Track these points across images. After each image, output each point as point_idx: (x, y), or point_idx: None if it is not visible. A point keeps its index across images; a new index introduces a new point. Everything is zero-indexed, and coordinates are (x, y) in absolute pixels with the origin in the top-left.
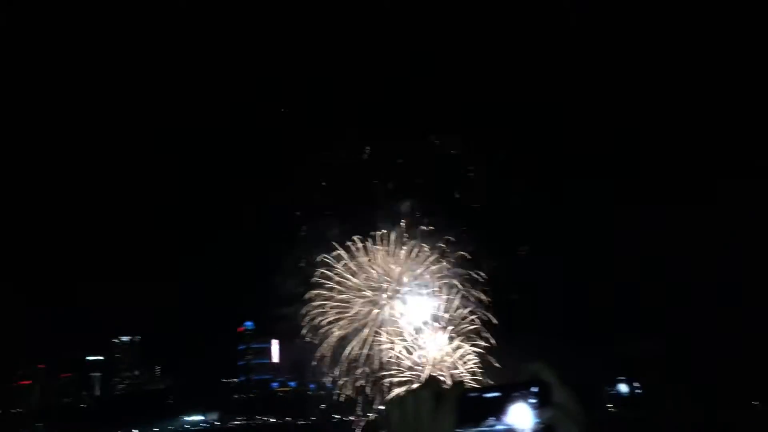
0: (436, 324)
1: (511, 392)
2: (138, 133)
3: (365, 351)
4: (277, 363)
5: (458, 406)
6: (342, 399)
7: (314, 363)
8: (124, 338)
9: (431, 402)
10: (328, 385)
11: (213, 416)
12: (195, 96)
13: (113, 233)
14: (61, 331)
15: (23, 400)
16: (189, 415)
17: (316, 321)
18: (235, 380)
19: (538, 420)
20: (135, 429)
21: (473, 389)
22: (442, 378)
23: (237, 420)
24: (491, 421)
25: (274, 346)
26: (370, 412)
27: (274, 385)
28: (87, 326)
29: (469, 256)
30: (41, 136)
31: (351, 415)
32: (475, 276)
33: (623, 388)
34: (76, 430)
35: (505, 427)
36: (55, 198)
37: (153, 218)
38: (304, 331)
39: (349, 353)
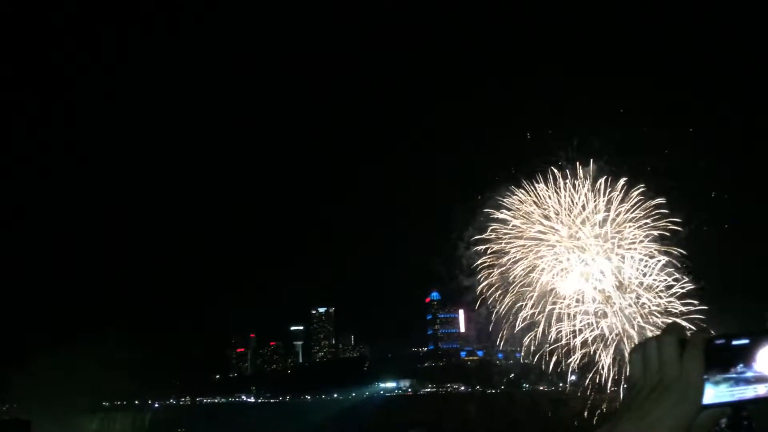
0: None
1: (760, 339)
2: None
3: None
4: (464, 332)
5: (705, 352)
6: (532, 368)
7: (500, 333)
8: (321, 309)
9: (676, 348)
10: (516, 354)
11: (406, 383)
12: None
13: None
14: (268, 304)
15: (238, 367)
16: (383, 382)
17: (495, 291)
18: (424, 349)
19: None
20: (335, 393)
21: (719, 336)
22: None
23: (428, 387)
24: (740, 368)
25: (461, 316)
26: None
27: (462, 354)
28: (289, 299)
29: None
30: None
31: (541, 384)
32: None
33: None
34: (284, 393)
35: (755, 374)
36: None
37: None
38: (487, 301)
39: (532, 323)
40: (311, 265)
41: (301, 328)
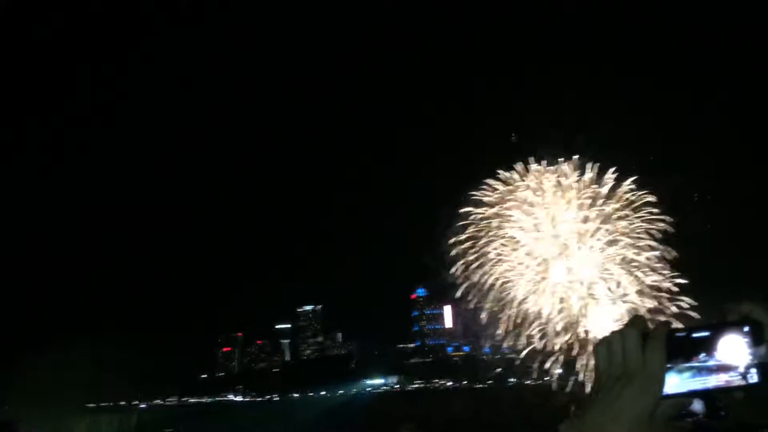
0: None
1: (720, 331)
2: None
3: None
4: (450, 328)
5: (667, 343)
6: (517, 363)
7: (484, 326)
8: (307, 307)
9: (638, 340)
10: (504, 348)
11: (393, 380)
12: None
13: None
14: (254, 302)
15: (225, 366)
16: (371, 379)
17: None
18: (411, 346)
19: (751, 358)
20: (323, 391)
21: (681, 329)
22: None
23: (416, 383)
24: (702, 357)
25: (447, 311)
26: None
27: (449, 349)
28: (276, 298)
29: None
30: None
31: (527, 378)
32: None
33: None
34: (271, 392)
35: (717, 362)
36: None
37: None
38: (470, 295)
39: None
40: (298, 263)
41: (288, 326)
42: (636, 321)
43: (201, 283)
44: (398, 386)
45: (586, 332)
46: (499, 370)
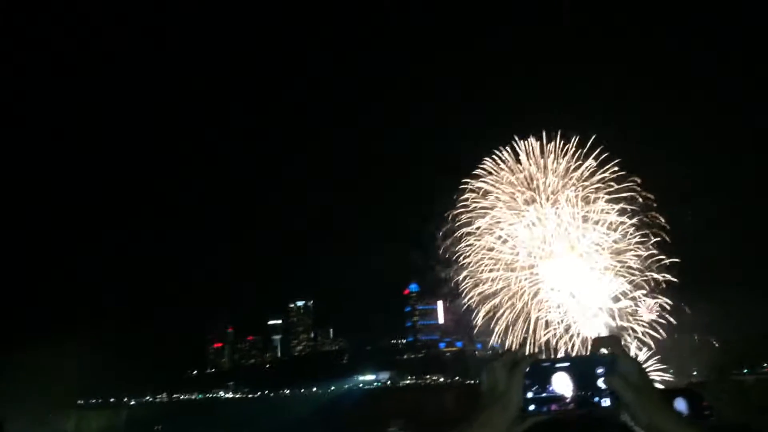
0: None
1: (580, 362)
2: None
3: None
4: (442, 324)
5: (527, 374)
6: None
7: (475, 323)
8: (299, 303)
9: (505, 369)
10: (495, 344)
11: (385, 376)
12: None
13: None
14: (246, 298)
15: (216, 362)
16: (363, 375)
17: (468, 282)
18: (403, 341)
19: (605, 387)
20: (314, 387)
21: (545, 360)
22: (521, 349)
23: (408, 379)
24: (550, 389)
25: (440, 307)
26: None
27: (441, 345)
28: (268, 294)
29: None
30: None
31: None
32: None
33: None
34: (262, 388)
35: (555, 393)
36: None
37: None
38: (462, 293)
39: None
40: (290, 258)
41: (280, 322)
42: (507, 352)
43: (190, 279)
44: (390, 382)
45: (568, 327)
46: None
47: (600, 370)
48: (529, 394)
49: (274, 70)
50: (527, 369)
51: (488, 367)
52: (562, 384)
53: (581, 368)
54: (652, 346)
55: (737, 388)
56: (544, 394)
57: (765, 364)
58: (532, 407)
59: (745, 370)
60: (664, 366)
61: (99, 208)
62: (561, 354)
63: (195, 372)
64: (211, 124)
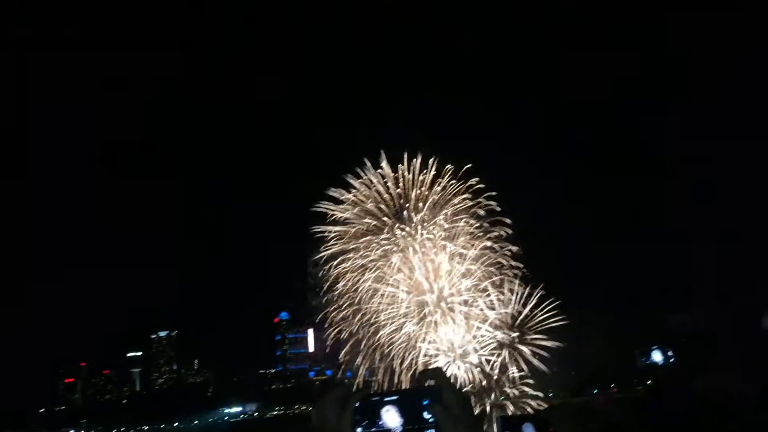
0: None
1: (407, 395)
2: None
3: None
4: (313, 352)
5: (357, 409)
6: (376, 387)
7: (344, 352)
8: (162, 333)
9: (338, 406)
10: (365, 372)
11: (252, 407)
12: None
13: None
14: (101, 328)
15: (67, 398)
16: (229, 407)
17: (335, 311)
18: (272, 371)
19: (428, 416)
20: (176, 422)
21: (375, 394)
22: (350, 383)
23: (276, 410)
24: (379, 423)
25: (310, 335)
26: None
27: (311, 374)
28: (126, 323)
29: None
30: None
31: None
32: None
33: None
34: (119, 425)
35: (386, 428)
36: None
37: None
38: (330, 321)
39: (365, 342)
40: (154, 284)
41: (140, 354)
42: (338, 386)
43: (37, 306)
44: (257, 413)
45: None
46: None
47: (426, 402)
48: (359, 430)
49: None
50: (357, 404)
51: (318, 404)
52: (390, 418)
53: (409, 401)
54: (521, 369)
55: (582, 413)
56: (373, 429)
57: (612, 385)
58: None
59: (595, 391)
60: (537, 393)
61: None
62: (404, 386)
63: (42, 410)
64: None
